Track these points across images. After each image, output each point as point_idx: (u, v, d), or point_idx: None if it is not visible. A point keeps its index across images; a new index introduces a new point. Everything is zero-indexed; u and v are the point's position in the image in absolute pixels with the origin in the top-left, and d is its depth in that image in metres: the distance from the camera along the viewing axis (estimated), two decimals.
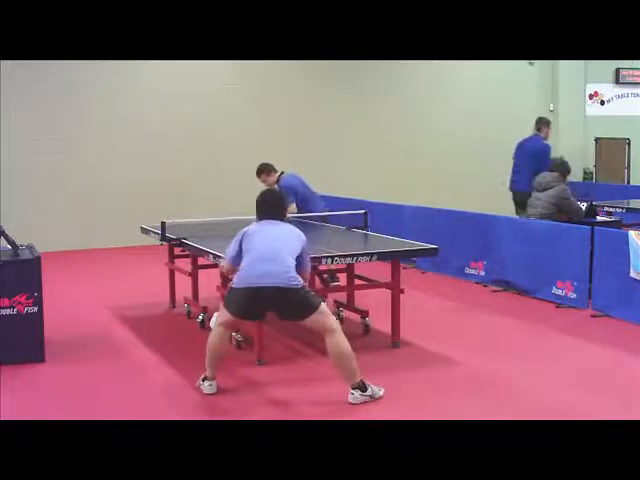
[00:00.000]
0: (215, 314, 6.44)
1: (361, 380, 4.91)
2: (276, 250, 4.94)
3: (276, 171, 8.10)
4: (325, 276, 7.67)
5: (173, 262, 7.52)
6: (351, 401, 4.88)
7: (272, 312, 5.07)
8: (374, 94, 13.20)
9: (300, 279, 4.93)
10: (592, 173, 14.68)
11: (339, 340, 4.88)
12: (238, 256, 5.08)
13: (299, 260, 5.05)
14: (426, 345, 6.20)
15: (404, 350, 6.08)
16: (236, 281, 4.99)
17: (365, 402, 4.87)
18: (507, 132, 14.28)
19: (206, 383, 5.12)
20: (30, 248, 6.06)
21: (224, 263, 5.33)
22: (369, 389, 4.91)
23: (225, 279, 6.27)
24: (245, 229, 5.18)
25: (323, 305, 4.96)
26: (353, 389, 4.88)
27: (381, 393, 4.98)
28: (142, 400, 5.10)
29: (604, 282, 7.11)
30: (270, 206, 5.28)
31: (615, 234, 7.22)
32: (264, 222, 5.21)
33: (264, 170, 8.10)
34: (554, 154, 13.52)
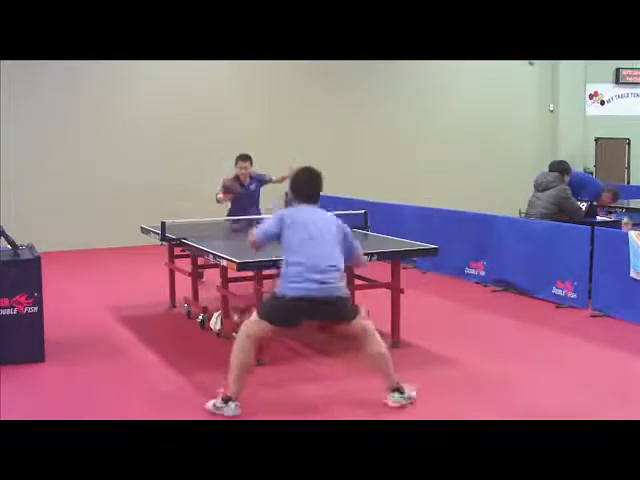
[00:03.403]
0: (215, 314, 6.46)
1: (397, 381, 4.85)
2: (328, 256, 4.70)
3: None
4: None
5: (173, 262, 7.52)
6: (393, 405, 4.79)
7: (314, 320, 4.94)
8: (374, 94, 13.20)
9: (346, 288, 4.83)
10: (592, 173, 14.68)
11: (380, 340, 4.82)
12: (273, 238, 4.80)
13: (346, 249, 4.87)
14: (426, 345, 6.20)
15: (404, 350, 6.08)
16: (286, 289, 4.66)
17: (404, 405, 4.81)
18: (507, 132, 14.36)
19: (232, 404, 4.66)
20: (30, 248, 6.05)
21: (254, 236, 4.87)
22: (406, 391, 4.84)
23: (225, 279, 6.28)
24: (286, 212, 4.87)
25: (362, 309, 4.90)
26: (393, 390, 4.82)
27: (414, 394, 4.88)
28: (142, 400, 5.09)
29: (604, 282, 7.11)
30: (314, 187, 4.93)
31: (615, 234, 7.23)
32: (305, 209, 4.87)
33: (250, 159, 8.48)
34: (554, 155, 13.58)
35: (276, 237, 4.80)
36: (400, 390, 4.82)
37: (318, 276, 4.62)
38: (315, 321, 4.90)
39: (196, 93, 11.98)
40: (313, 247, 4.69)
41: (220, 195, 8.31)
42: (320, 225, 4.80)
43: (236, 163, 8.49)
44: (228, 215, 8.37)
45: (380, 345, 4.82)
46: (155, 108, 11.76)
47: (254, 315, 4.77)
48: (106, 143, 11.53)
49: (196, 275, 7.26)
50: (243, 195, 8.33)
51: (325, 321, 4.89)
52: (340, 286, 4.74)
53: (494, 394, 5.13)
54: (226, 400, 4.68)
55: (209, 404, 4.75)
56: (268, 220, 4.92)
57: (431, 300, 7.98)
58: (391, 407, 4.77)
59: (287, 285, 4.66)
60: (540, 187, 8.32)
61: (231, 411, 4.65)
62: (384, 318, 6.21)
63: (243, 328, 4.78)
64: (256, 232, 4.90)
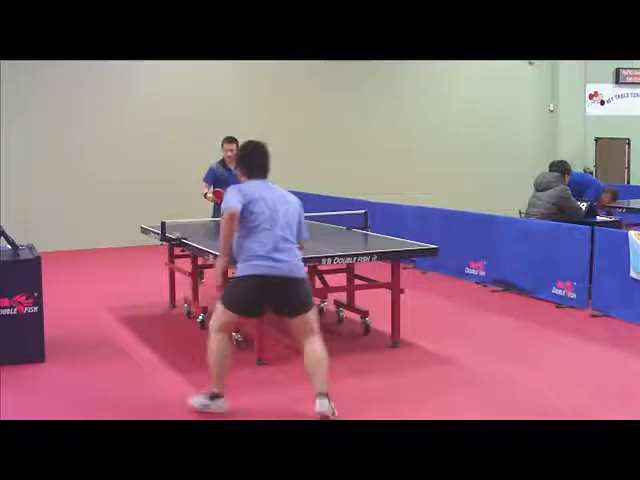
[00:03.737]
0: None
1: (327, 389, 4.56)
2: (286, 234, 4.58)
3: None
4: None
5: (173, 262, 7.53)
6: (323, 410, 4.46)
7: (269, 306, 4.69)
8: (374, 94, 13.21)
9: (304, 269, 4.67)
10: (592, 173, 14.69)
11: (321, 343, 4.63)
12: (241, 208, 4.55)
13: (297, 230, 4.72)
14: (426, 345, 6.20)
15: (404, 350, 6.08)
16: (244, 269, 4.54)
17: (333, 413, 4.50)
18: (507, 132, 14.37)
19: (218, 402, 4.66)
20: (30, 248, 6.06)
21: (230, 209, 4.53)
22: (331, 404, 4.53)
23: (225, 279, 6.26)
24: (243, 187, 4.66)
25: (314, 305, 4.75)
26: (325, 396, 4.49)
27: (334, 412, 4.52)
28: (142, 400, 5.09)
29: (604, 282, 7.11)
30: (263, 159, 4.75)
31: (615, 234, 7.23)
32: (257, 184, 4.69)
33: (236, 142, 8.04)
34: (554, 155, 13.59)
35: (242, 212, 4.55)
36: (329, 398, 4.50)
37: (275, 255, 4.50)
38: (273, 305, 4.63)
39: (196, 93, 11.99)
40: (270, 224, 4.55)
41: (210, 195, 8.11)
42: (275, 200, 4.64)
43: (222, 146, 8.31)
44: (215, 206, 7.88)
45: (323, 348, 4.61)
46: (155, 108, 11.77)
47: (218, 304, 4.67)
48: (106, 143, 11.54)
49: (196, 275, 7.26)
50: (230, 180, 7.63)
51: (282, 307, 4.61)
52: (299, 266, 4.62)
53: (494, 394, 5.13)
54: (212, 397, 4.68)
55: (195, 402, 4.72)
56: (229, 196, 4.62)
57: (431, 300, 7.98)
58: (318, 414, 4.48)
59: (244, 264, 4.55)
60: (540, 187, 8.32)
61: (218, 408, 4.65)
62: (384, 318, 6.22)
63: (212, 323, 4.70)
64: (227, 207, 4.54)
